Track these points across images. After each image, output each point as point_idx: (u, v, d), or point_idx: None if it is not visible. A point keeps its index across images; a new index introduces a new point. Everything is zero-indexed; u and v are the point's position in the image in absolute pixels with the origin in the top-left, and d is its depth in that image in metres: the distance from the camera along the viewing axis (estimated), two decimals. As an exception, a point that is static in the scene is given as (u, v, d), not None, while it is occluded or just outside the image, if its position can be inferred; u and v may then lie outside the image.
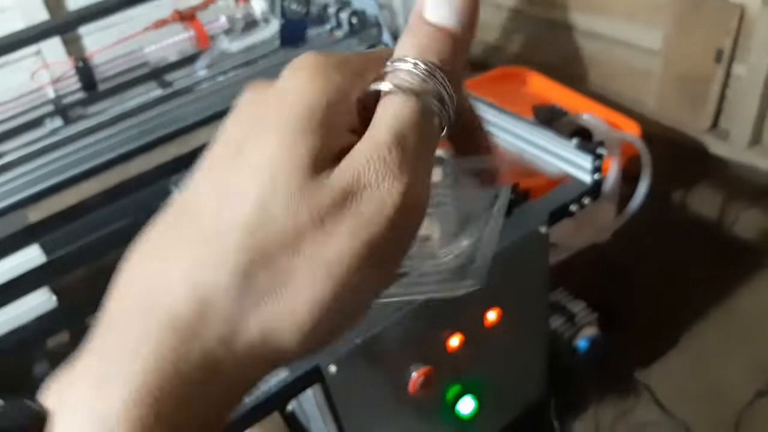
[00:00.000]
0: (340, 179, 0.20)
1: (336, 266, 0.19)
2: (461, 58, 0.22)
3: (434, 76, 0.21)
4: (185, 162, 1.08)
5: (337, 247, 0.19)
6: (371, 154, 0.20)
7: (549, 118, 1.10)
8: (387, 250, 0.20)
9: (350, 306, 0.21)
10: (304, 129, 0.20)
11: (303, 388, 0.77)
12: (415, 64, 0.21)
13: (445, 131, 0.22)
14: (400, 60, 0.21)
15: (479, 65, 2.56)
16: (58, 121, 1.16)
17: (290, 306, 0.20)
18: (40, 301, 1.00)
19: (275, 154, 0.20)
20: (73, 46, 2.16)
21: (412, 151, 0.20)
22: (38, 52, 2.08)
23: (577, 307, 1.27)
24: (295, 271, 0.19)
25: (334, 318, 0.20)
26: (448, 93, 0.21)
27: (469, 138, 0.26)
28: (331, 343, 0.21)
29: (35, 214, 1.05)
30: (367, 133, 0.21)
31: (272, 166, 0.20)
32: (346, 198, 0.20)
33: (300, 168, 0.19)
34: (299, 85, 0.21)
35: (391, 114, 0.21)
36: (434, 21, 0.22)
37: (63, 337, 1.27)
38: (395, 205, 0.20)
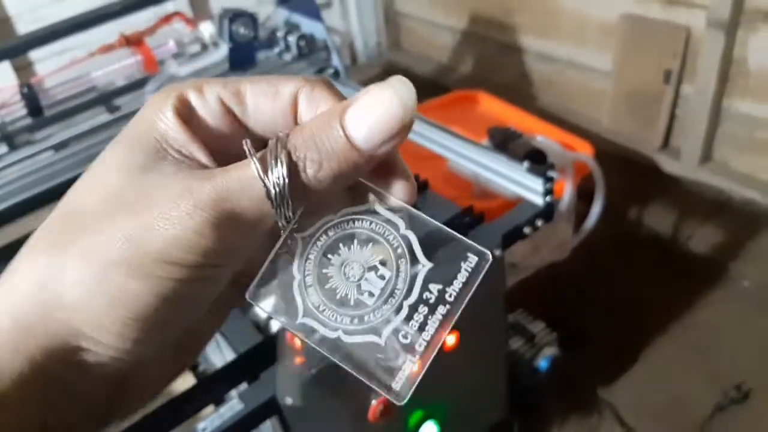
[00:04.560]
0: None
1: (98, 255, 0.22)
2: (355, 169, 0.23)
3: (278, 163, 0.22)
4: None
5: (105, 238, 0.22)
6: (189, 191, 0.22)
7: (503, 140, 1.10)
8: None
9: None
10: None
11: (260, 420, 0.74)
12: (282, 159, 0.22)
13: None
14: (296, 137, 0.23)
15: (435, 86, 2.59)
16: (3, 148, 1.13)
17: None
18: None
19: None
20: (26, 73, 2.12)
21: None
22: (-13, 78, 2.04)
23: (537, 328, 1.27)
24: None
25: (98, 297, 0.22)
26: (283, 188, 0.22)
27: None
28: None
29: (-21, 247, 1.01)
30: (207, 174, 0.22)
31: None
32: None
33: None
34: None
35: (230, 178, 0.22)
36: (346, 128, 0.22)
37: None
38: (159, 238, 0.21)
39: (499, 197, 1.43)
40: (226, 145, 0.25)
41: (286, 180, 0.22)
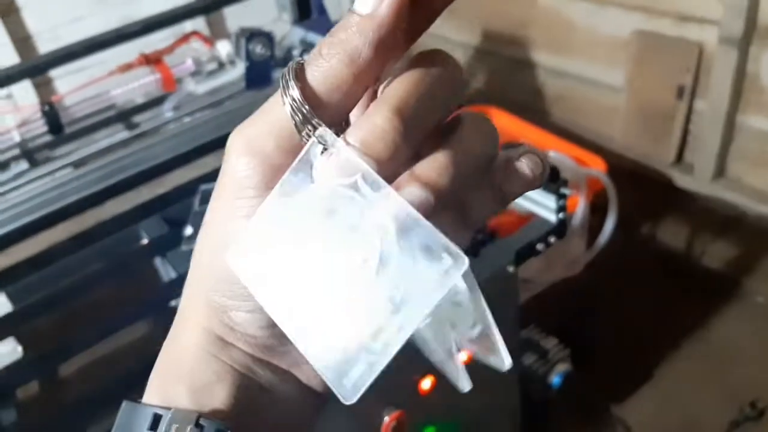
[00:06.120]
0: None
1: None
2: (368, 40, 0.22)
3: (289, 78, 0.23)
4: (154, 207, 1.07)
5: None
6: None
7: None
8: None
9: None
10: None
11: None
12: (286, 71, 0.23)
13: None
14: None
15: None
16: (23, 165, 1.15)
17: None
18: (4, 353, 0.98)
19: None
20: (46, 89, 2.15)
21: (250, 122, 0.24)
22: (9, 96, 2.07)
23: (550, 344, 1.27)
24: None
25: None
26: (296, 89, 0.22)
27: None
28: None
29: (1, 261, 1.03)
30: None
31: None
32: None
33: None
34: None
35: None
36: (353, 8, 0.23)
37: (33, 387, 1.24)
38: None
39: (512, 213, 1.43)
40: None
41: (296, 82, 0.22)
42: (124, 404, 0.25)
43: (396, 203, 0.21)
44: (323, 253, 0.22)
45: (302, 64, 0.23)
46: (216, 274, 0.25)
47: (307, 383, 0.27)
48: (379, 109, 0.22)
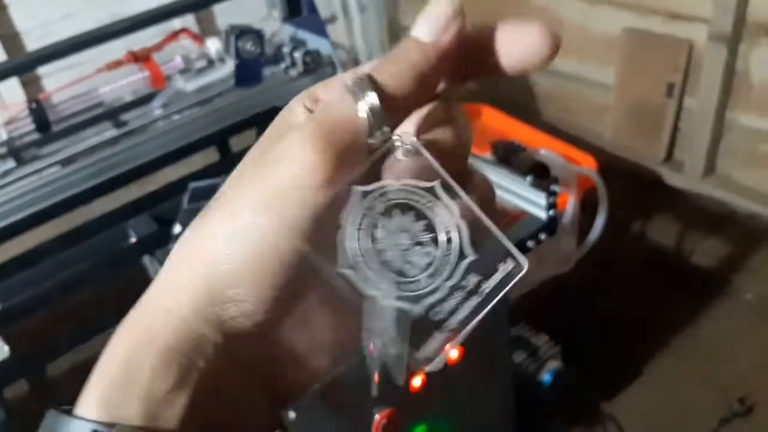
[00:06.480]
0: None
1: None
2: (431, 62, 0.24)
3: (361, 87, 0.23)
4: (142, 205, 1.06)
5: None
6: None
7: (507, 153, 1.11)
8: None
9: None
10: None
11: (262, 436, 0.75)
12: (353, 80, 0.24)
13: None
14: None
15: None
16: (10, 163, 1.14)
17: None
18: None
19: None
20: (33, 87, 2.14)
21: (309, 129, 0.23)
22: (-4, 94, 2.06)
23: (540, 341, 1.28)
24: None
25: None
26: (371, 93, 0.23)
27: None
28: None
29: (-13, 259, 1.03)
30: None
31: None
32: None
33: None
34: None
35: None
36: (413, 35, 0.25)
37: (21, 386, 1.23)
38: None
39: (503, 210, 1.43)
40: None
41: (375, 95, 0.23)
42: (50, 414, 0.21)
43: (471, 209, 0.24)
44: (396, 243, 0.24)
45: (369, 74, 0.24)
46: (230, 263, 0.23)
47: (281, 392, 0.26)
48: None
